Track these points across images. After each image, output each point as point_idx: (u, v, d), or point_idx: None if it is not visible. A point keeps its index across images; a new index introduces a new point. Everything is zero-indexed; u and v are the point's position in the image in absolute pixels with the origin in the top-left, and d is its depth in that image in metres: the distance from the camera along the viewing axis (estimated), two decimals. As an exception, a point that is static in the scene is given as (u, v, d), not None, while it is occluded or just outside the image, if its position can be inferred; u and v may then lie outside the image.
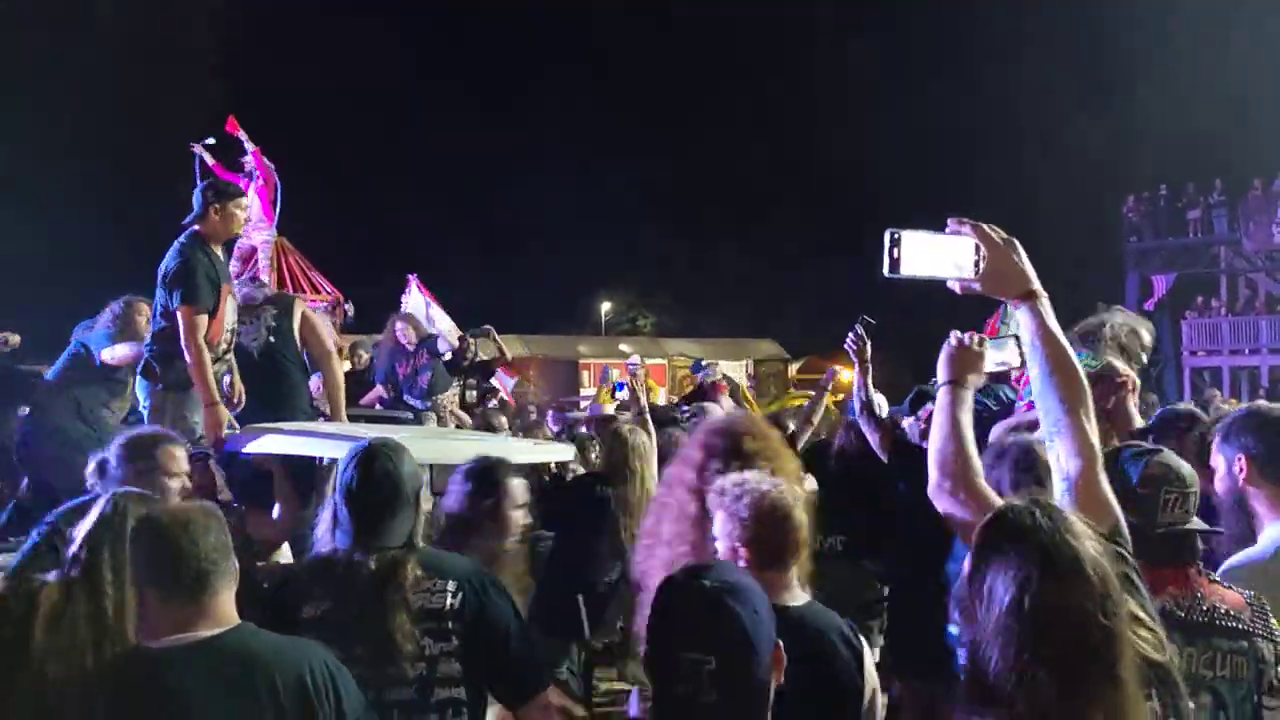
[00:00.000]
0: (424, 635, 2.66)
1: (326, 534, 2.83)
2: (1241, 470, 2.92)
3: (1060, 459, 2.10)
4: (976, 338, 2.47)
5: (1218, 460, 3.01)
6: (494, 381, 11.17)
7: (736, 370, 30.27)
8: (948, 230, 2.19)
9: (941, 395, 2.37)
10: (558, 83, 48.92)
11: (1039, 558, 1.70)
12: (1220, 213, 28.37)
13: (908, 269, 2.13)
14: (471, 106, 47.69)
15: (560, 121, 48.06)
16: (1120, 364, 4.10)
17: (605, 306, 44.00)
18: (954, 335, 2.46)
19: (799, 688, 1.92)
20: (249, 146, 10.17)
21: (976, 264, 2.15)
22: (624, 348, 31.72)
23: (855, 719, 2.47)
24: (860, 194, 42.54)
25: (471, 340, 10.58)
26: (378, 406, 9.31)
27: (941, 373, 2.41)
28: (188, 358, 4.90)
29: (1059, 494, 2.07)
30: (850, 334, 4.78)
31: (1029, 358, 2.18)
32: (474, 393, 10.55)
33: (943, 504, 2.26)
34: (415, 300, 11.92)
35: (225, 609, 2.30)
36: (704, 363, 12.11)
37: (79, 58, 31.56)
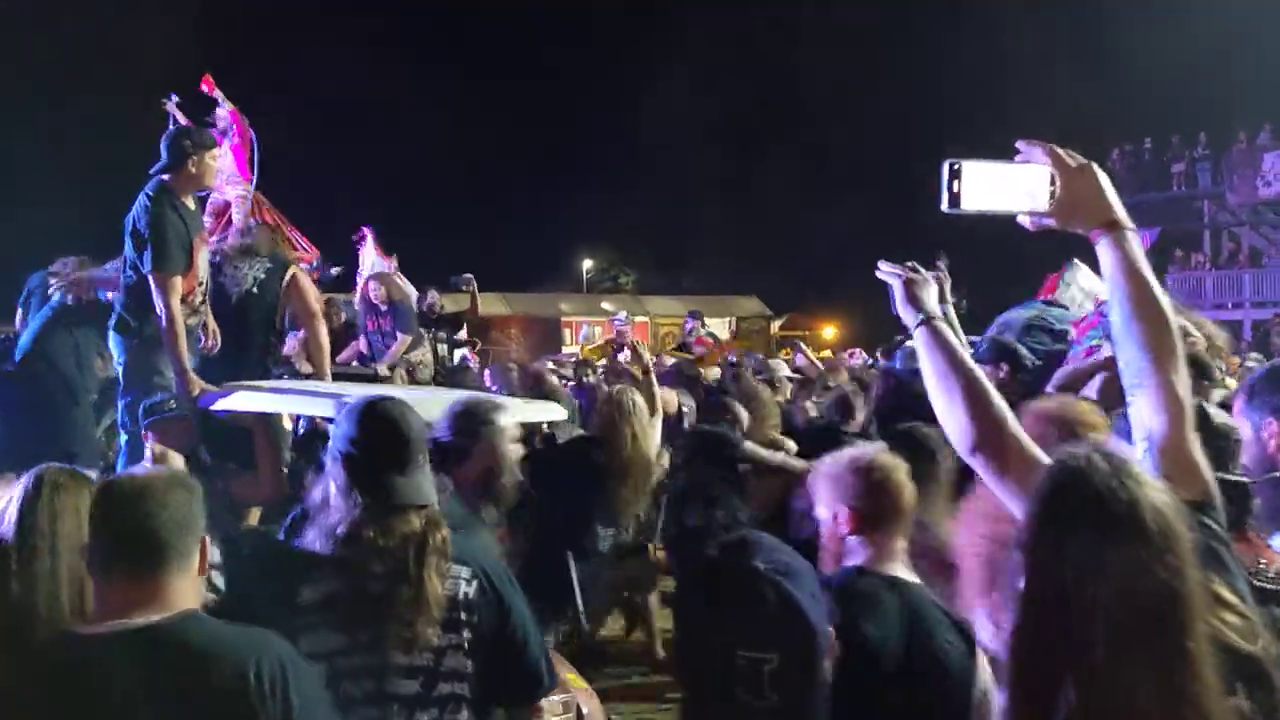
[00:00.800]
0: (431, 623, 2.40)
1: (328, 501, 2.46)
2: (1272, 436, 2.59)
3: (1144, 416, 1.81)
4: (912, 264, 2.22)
5: (1241, 425, 2.66)
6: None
7: (720, 327, 30.18)
8: (1017, 158, 1.95)
9: (922, 337, 2.05)
10: (537, 34, 48.33)
11: (1087, 504, 1.44)
12: (1204, 166, 28.28)
13: (970, 203, 1.91)
14: (453, 65, 47.03)
15: (538, 75, 47.46)
16: None
17: (587, 264, 43.70)
18: (899, 270, 2.19)
19: (904, 680, 1.66)
20: (225, 105, 9.85)
21: (1051, 193, 1.91)
22: (606, 305, 31.53)
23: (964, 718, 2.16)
24: (843, 150, 42.36)
25: (435, 293, 10.27)
26: (354, 364, 9.11)
27: (909, 315, 2.10)
28: (162, 323, 4.71)
29: (1140, 456, 1.78)
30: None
31: (1110, 298, 1.89)
32: (444, 346, 10.28)
33: (982, 468, 1.93)
34: (369, 255, 11.52)
35: (174, 593, 2.01)
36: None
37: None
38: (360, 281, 10.20)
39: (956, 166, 1.90)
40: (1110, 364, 4.12)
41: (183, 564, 2.04)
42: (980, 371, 2.00)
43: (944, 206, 1.91)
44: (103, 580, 2.02)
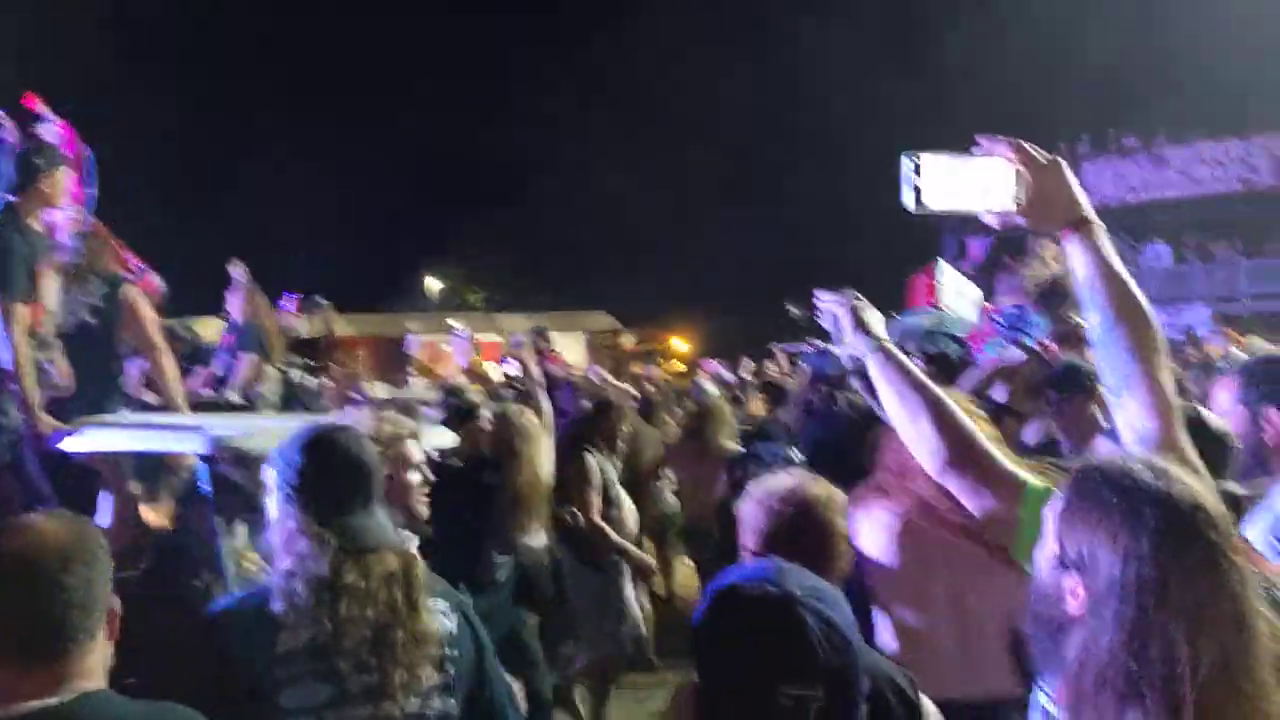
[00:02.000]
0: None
1: (287, 544, 2.22)
2: (1271, 425, 2.60)
3: (1133, 418, 1.75)
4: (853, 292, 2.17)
5: (1233, 411, 2.69)
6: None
7: (574, 342, 30.02)
8: (977, 151, 1.86)
9: (877, 364, 2.00)
10: (378, 48, 47.34)
11: (1154, 506, 1.31)
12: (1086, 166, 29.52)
13: (933, 201, 1.80)
14: (284, 81, 45.59)
15: (379, 91, 46.51)
16: None
17: (434, 283, 42.96)
18: (842, 298, 2.13)
19: None
20: (53, 122, 9.12)
21: (1014, 190, 1.83)
22: (454, 324, 31.00)
23: None
24: (687, 162, 42.92)
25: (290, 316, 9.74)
26: (205, 391, 8.53)
27: (860, 343, 2.06)
28: (5, 356, 4.25)
29: None
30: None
31: (1086, 300, 1.82)
32: (298, 372, 9.77)
33: (957, 486, 1.87)
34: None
35: (75, 674, 1.71)
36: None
37: None
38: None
39: (916, 160, 1.80)
40: (1010, 370, 4.13)
41: (87, 642, 1.72)
42: (939, 389, 1.95)
43: (909, 205, 1.80)
44: None
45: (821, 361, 5.48)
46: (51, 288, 4.64)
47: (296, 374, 9.67)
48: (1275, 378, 2.64)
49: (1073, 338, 3.82)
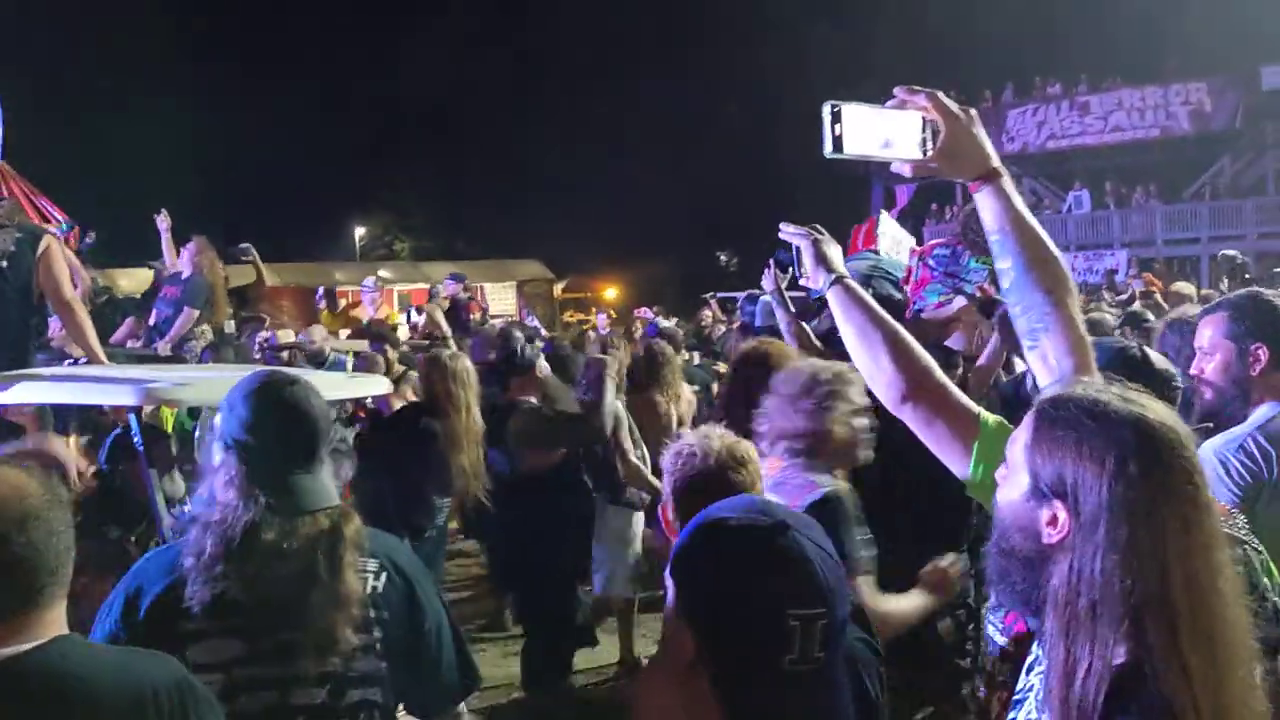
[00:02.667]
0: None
1: (217, 495, 2.15)
2: (1257, 360, 2.73)
3: (1050, 359, 1.81)
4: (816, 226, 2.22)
5: (1220, 345, 2.80)
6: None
7: (505, 291, 29.82)
8: (890, 104, 1.90)
9: (836, 296, 2.03)
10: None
11: (1132, 429, 1.33)
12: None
13: (852, 147, 1.84)
14: (207, 27, 44.16)
15: (304, 38, 45.27)
16: None
17: (360, 231, 42.25)
18: (805, 231, 2.17)
19: None
20: None
21: (925, 141, 1.87)
22: (383, 274, 30.57)
23: None
24: (620, 110, 42.59)
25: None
26: (129, 344, 8.32)
27: (821, 277, 2.09)
28: None
29: None
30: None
31: (997, 250, 1.87)
32: (231, 322, 9.55)
33: (912, 418, 1.91)
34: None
35: (47, 622, 1.70)
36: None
37: None
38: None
39: (837, 109, 1.84)
40: (963, 315, 4.18)
41: (58, 589, 1.72)
42: (897, 323, 1.98)
43: (827, 151, 1.85)
44: None
45: (753, 310, 5.52)
46: None
47: (229, 325, 9.49)
48: (1262, 313, 2.77)
49: None
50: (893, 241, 5.23)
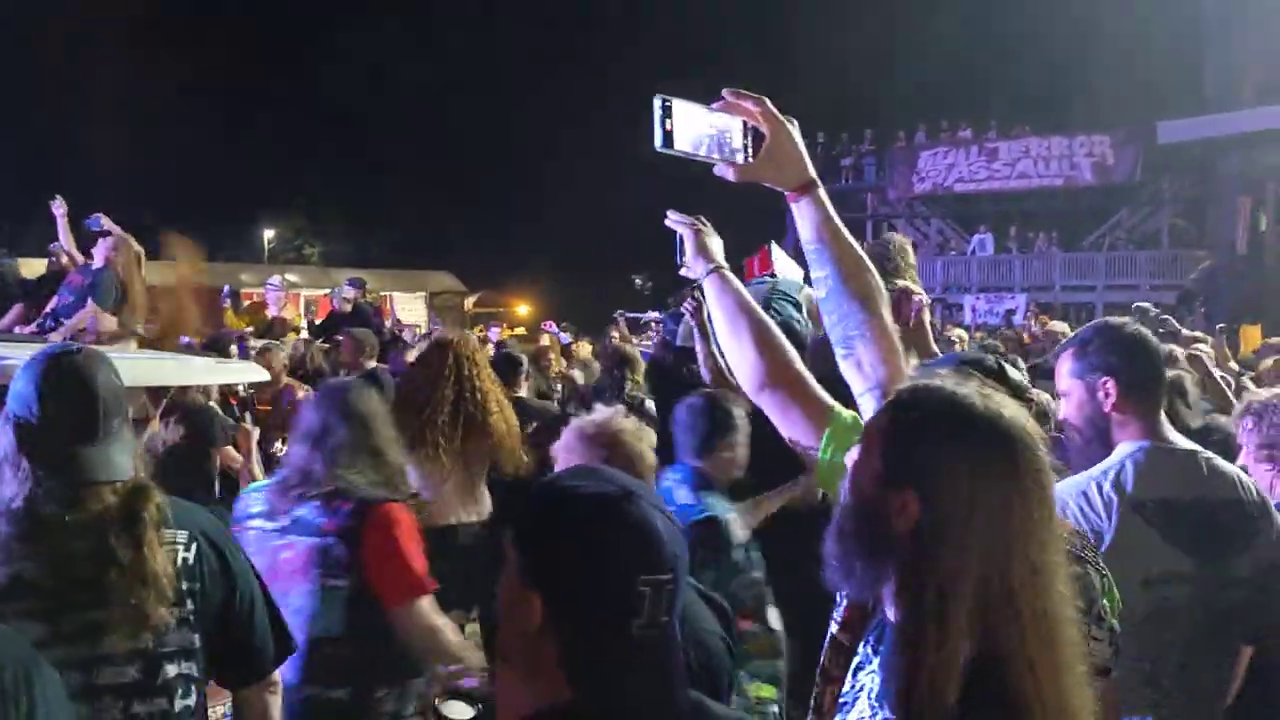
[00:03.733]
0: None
1: (5, 473, 2.07)
2: (1108, 395, 2.54)
3: (865, 367, 1.86)
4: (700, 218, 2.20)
5: (1070, 386, 2.62)
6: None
7: (415, 302, 29.49)
8: (716, 105, 1.90)
9: (712, 285, 2.05)
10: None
11: (990, 426, 1.35)
12: (869, 161, 30.71)
13: (681, 144, 1.84)
14: (128, 27, 43.03)
15: (226, 34, 44.40)
16: (916, 285, 3.87)
17: (269, 234, 41.48)
18: (689, 220, 2.16)
19: None
20: None
21: (747, 147, 1.90)
22: (290, 278, 30.02)
23: None
24: (537, 121, 42.56)
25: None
26: (17, 330, 7.97)
27: (699, 265, 2.09)
28: None
29: (871, 407, 1.81)
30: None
31: (814, 260, 1.91)
32: None
33: (769, 404, 1.96)
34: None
35: None
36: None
37: None
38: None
39: (668, 103, 1.84)
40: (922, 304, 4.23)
41: None
42: (766, 315, 2.01)
43: (657, 145, 1.84)
44: None
45: (674, 330, 5.55)
46: None
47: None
48: (1107, 343, 2.59)
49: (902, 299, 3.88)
50: (785, 266, 5.30)
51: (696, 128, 1.86)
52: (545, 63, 43.23)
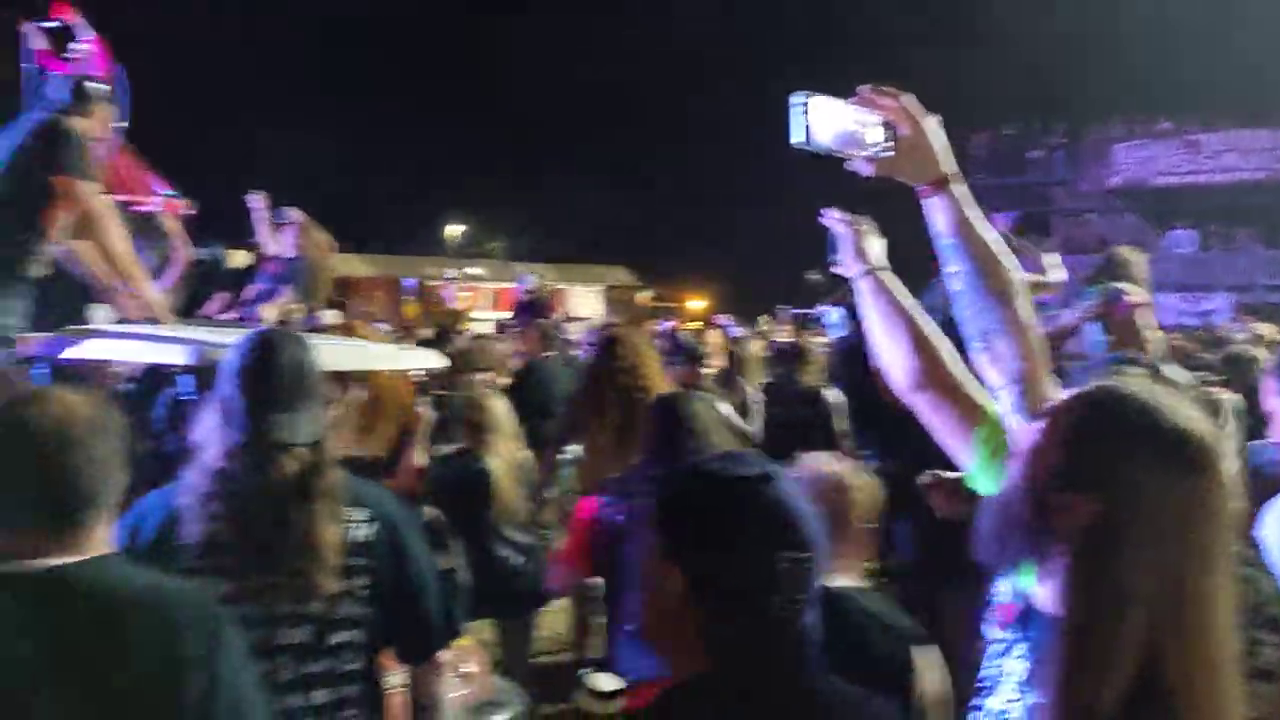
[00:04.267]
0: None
1: (211, 439, 2.27)
2: None
3: (1003, 361, 1.86)
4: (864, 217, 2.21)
5: (1276, 406, 2.72)
6: None
7: (590, 296, 30.06)
8: (853, 100, 1.92)
9: (868, 286, 2.06)
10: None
11: (1181, 437, 1.34)
12: (1060, 154, 29.49)
13: (819, 139, 1.86)
14: (313, 15, 45.37)
15: (410, 39, 46.27)
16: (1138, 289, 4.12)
17: (454, 228, 42.98)
18: (847, 218, 2.17)
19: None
20: (86, 35, 9.06)
21: (887, 141, 1.90)
22: (474, 270, 31.07)
23: None
24: (720, 117, 42.65)
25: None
26: (221, 317, 8.55)
27: (854, 265, 2.11)
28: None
29: (1010, 402, 1.82)
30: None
31: (949, 255, 1.91)
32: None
33: (922, 404, 1.96)
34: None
35: (93, 539, 1.78)
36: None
37: None
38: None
39: (808, 99, 1.86)
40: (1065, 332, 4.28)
41: (105, 511, 1.80)
42: (925, 315, 2.02)
43: (795, 140, 1.86)
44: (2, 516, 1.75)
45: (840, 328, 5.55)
46: None
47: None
48: None
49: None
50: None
51: (835, 123, 1.88)
52: (722, 57, 43.20)
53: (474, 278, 28.35)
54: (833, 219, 2.18)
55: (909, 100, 1.91)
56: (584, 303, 28.33)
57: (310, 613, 2.19)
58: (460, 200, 43.47)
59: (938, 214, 1.92)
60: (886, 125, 1.91)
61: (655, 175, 44.08)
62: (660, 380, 4.83)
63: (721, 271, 36.33)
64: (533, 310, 11.35)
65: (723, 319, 15.09)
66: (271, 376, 2.28)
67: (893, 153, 1.90)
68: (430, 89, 44.46)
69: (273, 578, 2.17)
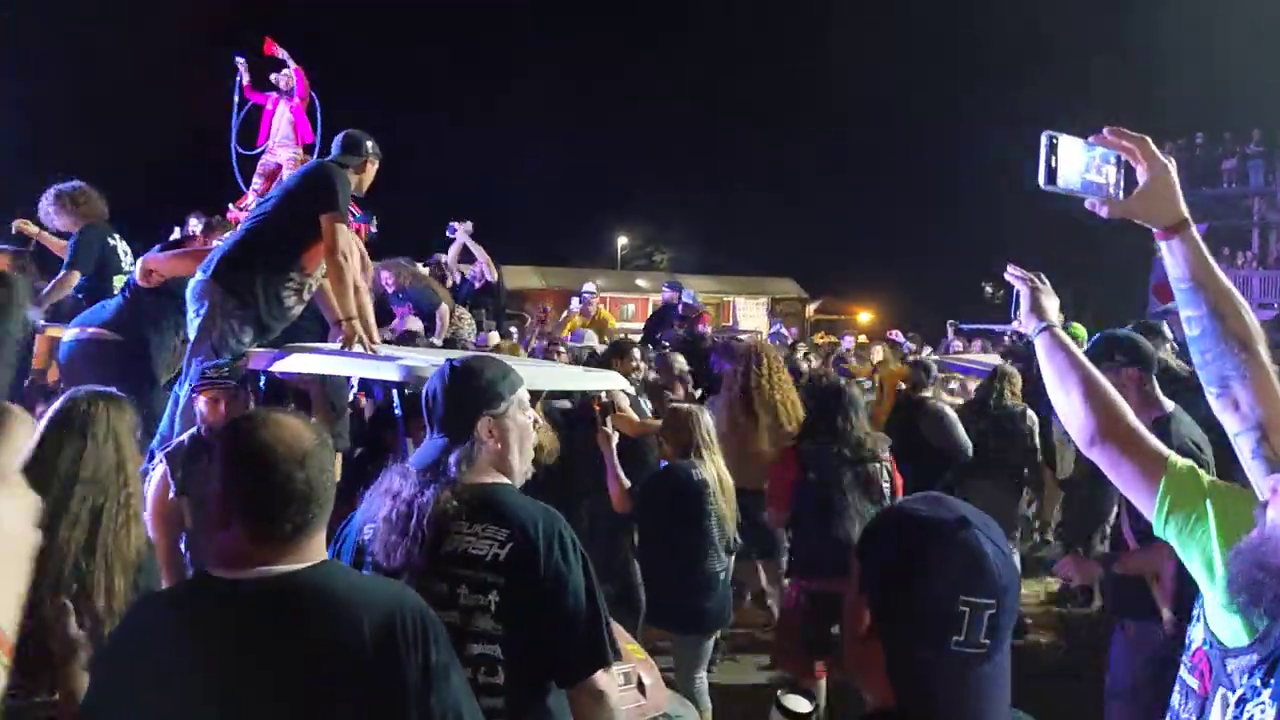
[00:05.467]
0: (460, 581, 2.34)
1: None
2: None
3: (1242, 407, 1.84)
4: (1039, 275, 2.26)
5: None
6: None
7: (756, 307, 30.02)
8: (1093, 139, 1.93)
9: (1043, 343, 2.11)
10: (573, 13, 48.04)
11: None
12: (1256, 163, 27.83)
13: (1064, 180, 1.90)
14: (484, 36, 46.84)
15: (576, 53, 47.23)
16: None
17: (622, 241, 43.58)
18: (1028, 277, 2.21)
19: None
20: (290, 64, 9.77)
21: (1121, 182, 1.93)
22: (641, 282, 31.47)
23: None
24: (884, 130, 41.96)
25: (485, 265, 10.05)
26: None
27: (1030, 322, 2.17)
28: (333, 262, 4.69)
29: (1248, 449, 1.80)
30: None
31: (1186, 300, 1.91)
32: (487, 317, 10.10)
33: (1101, 458, 1.98)
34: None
35: (315, 545, 1.98)
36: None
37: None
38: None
39: (1054, 140, 1.89)
40: None
41: (323, 520, 2.00)
42: (1096, 371, 2.05)
43: (1041, 181, 1.90)
44: (241, 527, 1.94)
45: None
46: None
47: (488, 321, 10.11)
48: None
49: None
50: None
51: (1077, 163, 1.91)
52: (883, 72, 42.51)
53: (643, 290, 28.78)
54: (1015, 276, 2.23)
55: (1150, 143, 1.92)
56: (750, 315, 28.28)
57: (447, 622, 2.21)
58: (629, 213, 44.08)
59: (1176, 257, 1.92)
60: (1121, 165, 1.93)
61: (818, 185, 43.67)
62: (785, 387, 6.08)
63: (890, 285, 35.69)
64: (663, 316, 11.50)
65: (895, 334, 14.92)
66: (437, 397, 2.50)
67: (1130, 194, 1.93)
68: (601, 101, 45.26)
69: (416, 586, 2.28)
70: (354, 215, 10.44)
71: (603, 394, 4.88)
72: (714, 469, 4.74)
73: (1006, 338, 11.87)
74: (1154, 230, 1.93)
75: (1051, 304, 2.19)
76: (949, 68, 41.71)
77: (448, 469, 2.43)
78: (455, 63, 43.55)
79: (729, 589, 4.92)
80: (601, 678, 2.43)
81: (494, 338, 8.92)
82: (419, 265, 9.54)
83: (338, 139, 5.11)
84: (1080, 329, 10.91)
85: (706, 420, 4.85)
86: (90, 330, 5.36)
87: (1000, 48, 38.28)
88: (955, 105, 39.02)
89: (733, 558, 5.05)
